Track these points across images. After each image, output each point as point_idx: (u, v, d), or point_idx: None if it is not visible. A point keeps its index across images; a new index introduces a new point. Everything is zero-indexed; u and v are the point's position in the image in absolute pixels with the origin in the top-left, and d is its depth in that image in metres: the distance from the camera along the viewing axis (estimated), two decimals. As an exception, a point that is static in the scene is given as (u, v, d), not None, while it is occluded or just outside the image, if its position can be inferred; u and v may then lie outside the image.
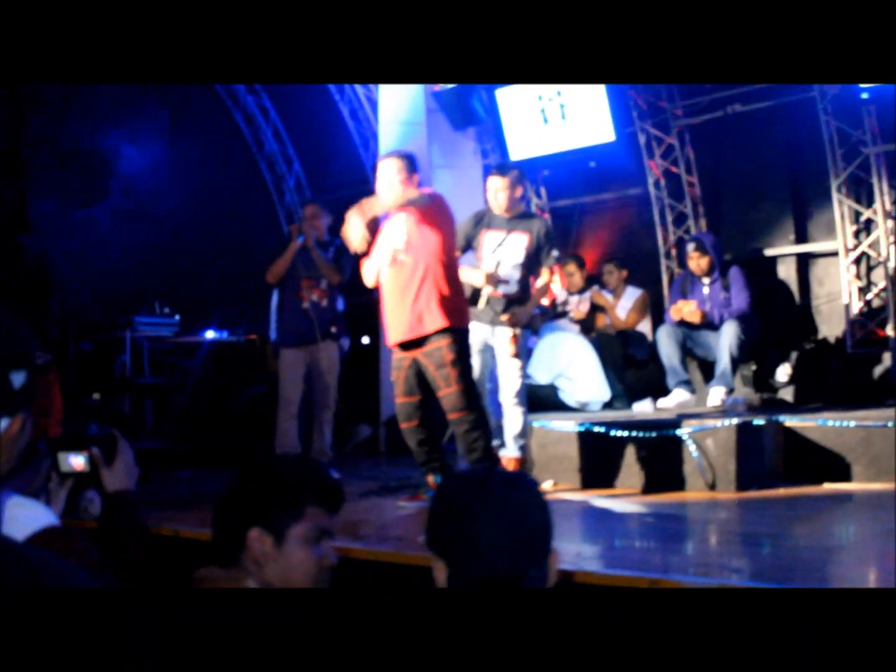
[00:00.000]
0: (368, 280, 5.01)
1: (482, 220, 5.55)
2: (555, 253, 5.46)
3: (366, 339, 9.19)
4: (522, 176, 5.64)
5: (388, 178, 4.87)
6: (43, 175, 8.70)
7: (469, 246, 5.53)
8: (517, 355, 5.33)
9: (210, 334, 8.71)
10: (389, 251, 4.84)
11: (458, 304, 4.83)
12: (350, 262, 6.02)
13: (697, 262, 6.96)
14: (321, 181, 10.39)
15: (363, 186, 9.68)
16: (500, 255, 5.42)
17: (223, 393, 8.16)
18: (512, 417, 5.34)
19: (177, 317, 8.80)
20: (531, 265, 5.45)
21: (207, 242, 9.65)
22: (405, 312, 4.74)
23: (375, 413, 8.15)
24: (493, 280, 5.33)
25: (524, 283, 5.46)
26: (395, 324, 4.84)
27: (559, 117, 8.04)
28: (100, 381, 8.05)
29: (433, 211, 4.76)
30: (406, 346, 4.81)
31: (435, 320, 4.69)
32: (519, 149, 8.61)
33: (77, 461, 2.32)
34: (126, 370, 8.22)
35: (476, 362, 5.26)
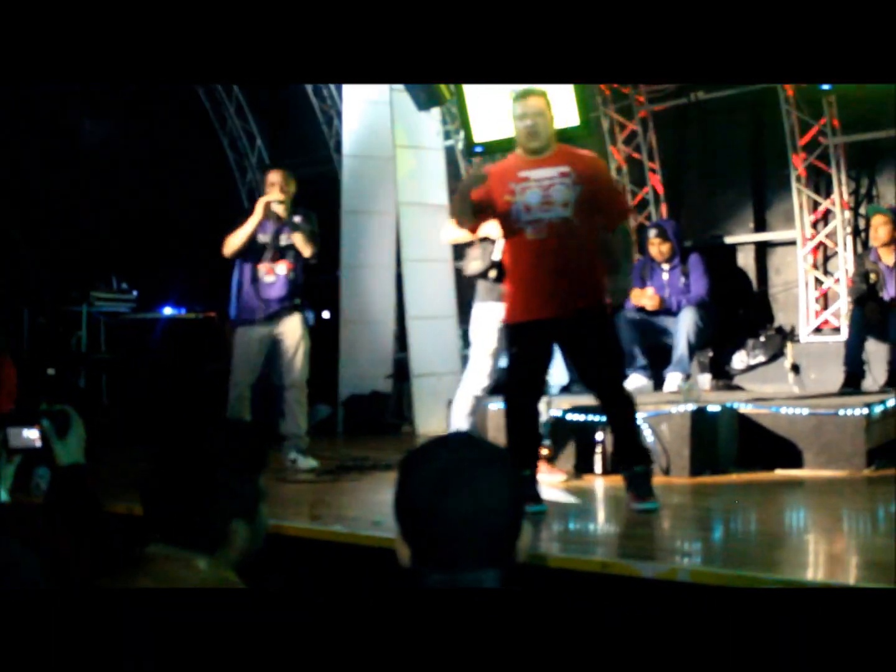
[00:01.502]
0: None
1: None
2: None
3: (326, 314, 9.15)
4: None
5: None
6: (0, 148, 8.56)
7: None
8: None
9: (168, 311, 8.64)
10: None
11: None
12: (317, 233, 5.81)
13: (658, 248, 7.02)
14: (284, 159, 10.30)
15: (327, 165, 9.66)
16: None
17: (181, 370, 8.10)
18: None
19: (134, 292, 8.72)
20: None
21: (167, 218, 9.55)
22: None
23: (334, 393, 8.12)
24: None
25: None
26: None
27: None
28: (55, 356, 7.95)
29: None
30: None
31: None
32: (483, 131, 8.59)
33: (29, 435, 2.30)
34: (82, 345, 8.13)
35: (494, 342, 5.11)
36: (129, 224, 9.38)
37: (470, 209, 4.34)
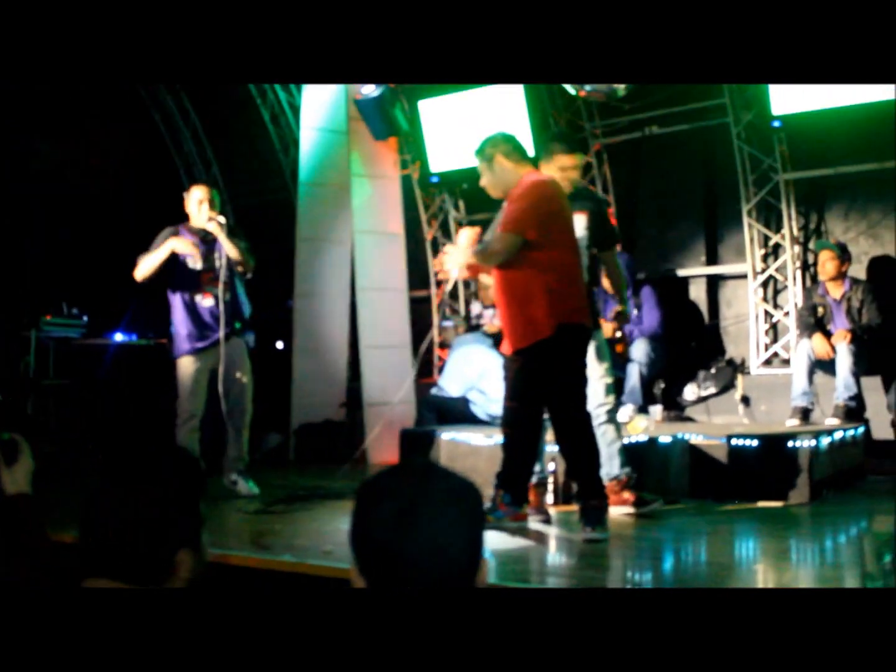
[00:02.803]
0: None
1: None
2: None
3: (279, 345, 9.10)
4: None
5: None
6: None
7: None
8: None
9: (119, 337, 8.54)
10: None
11: None
12: (249, 250, 5.64)
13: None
14: (239, 186, 10.28)
15: (282, 193, 9.64)
16: None
17: (130, 397, 8.00)
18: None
19: (84, 318, 8.61)
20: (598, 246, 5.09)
21: (119, 243, 9.45)
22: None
23: (286, 421, 8.06)
24: None
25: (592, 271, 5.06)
26: None
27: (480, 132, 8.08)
28: (2, 382, 7.82)
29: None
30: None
31: None
32: (440, 160, 8.64)
33: (-25, 463, 2.26)
34: (30, 371, 8.01)
35: None
36: (81, 249, 9.28)
37: None
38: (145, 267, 5.55)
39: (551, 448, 5.34)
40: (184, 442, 5.50)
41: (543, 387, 4.41)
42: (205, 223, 5.57)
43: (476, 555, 1.53)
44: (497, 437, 5.61)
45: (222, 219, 5.61)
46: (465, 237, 4.61)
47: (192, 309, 5.60)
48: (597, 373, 4.83)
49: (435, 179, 8.96)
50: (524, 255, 4.33)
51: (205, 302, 5.60)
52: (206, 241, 5.63)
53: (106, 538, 1.76)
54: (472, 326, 7.94)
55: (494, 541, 4.18)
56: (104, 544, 1.76)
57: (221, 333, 5.54)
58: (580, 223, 4.80)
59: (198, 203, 5.64)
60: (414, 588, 1.45)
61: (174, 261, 5.57)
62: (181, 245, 5.55)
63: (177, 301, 5.65)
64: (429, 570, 1.46)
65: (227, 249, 5.56)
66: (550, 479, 5.31)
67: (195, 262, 5.58)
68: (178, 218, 5.77)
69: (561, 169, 4.89)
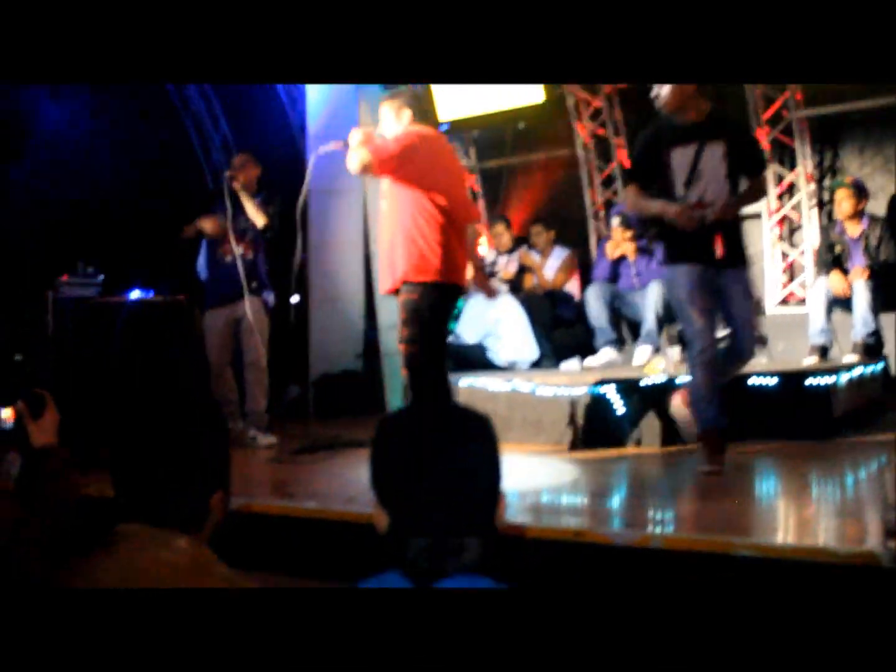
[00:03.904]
0: None
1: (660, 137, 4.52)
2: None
3: (295, 298, 9.10)
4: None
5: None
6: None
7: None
8: None
9: (135, 294, 8.56)
10: None
11: None
12: (277, 214, 5.90)
13: (622, 235, 7.02)
14: (248, 140, 10.23)
15: (290, 146, 9.59)
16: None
17: (149, 353, 8.03)
18: None
19: (100, 277, 8.62)
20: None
21: (132, 201, 9.45)
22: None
23: (305, 374, 8.09)
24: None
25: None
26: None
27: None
28: (21, 341, 7.88)
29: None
30: None
31: None
32: (448, 109, 8.58)
33: (2, 416, 2.29)
34: (49, 331, 8.04)
35: None
36: (94, 207, 9.28)
37: None
38: (187, 233, 5.99)
39: (573, 392, 5.36)
40: (219, 395, 5.82)
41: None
42: (236, 189, 5.87)
43: (496, 487, 1.54)
44: (514, 383, 5.64)
45: (240, 182, 5.86)
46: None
47: (215, 264, 5.97)
48: None
49: (445, 127, 8.89)
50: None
51: (227, 259, 5.89)
52: (236, 205, 5.90)
53: (140, 484, 1.79)
54: (487, 274, 7.93)
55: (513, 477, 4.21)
56: (138, 490, 1.79)
57: (245, 291, 5.83)
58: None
59: (238, 170, 5.97)
60: (436, 520, 1.47)
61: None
62: (207, 225, 5.93)
63: (207, 256, 6.05)
64: (451, 501, 1.47)
65: (251, 214, 5.86)
66: (569, 423, 5.33)
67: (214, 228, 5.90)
68: (185, 169, 5.97)
69: None
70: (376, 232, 4.77)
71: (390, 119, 4.73)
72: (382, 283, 4.71)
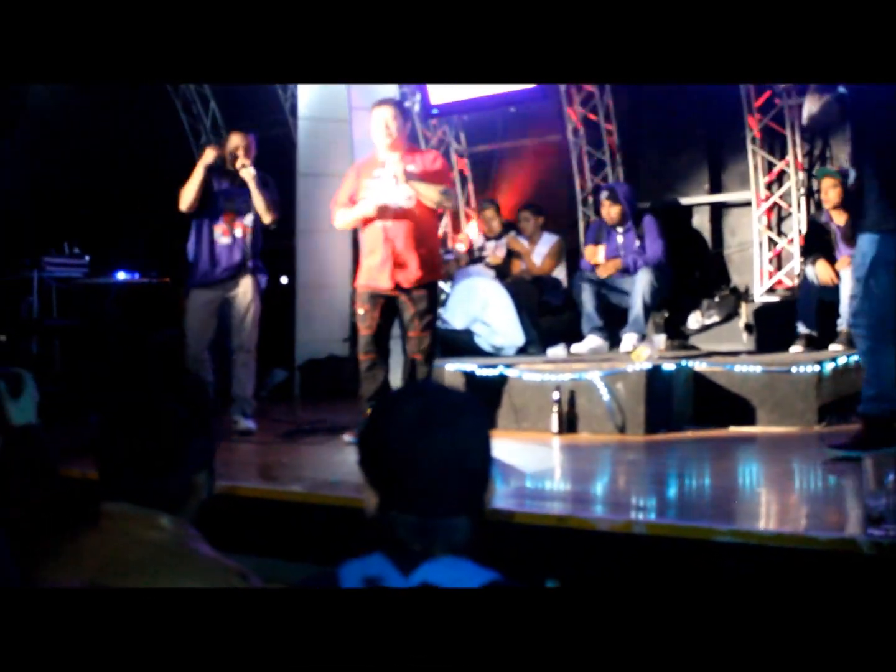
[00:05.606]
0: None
1: None
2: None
3: (284, 280, 9.09)
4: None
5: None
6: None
7: None
8: None
9: (121, 276, 8.53)
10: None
11: None
12: (278, 201, 5.80)
13: (608, 210, 7.03)
14: (238, 122, 10.16)
15: (281, 128, 9.55)
16: None
17: (134, 336, 8.01)
18: None
19: (86, 258, 8.59)
20: None
21: (120, 182, 9.41)
22: None
23: (291, 357, 8.09)
24: None
25: None
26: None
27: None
28: (6, 322, 7.84)
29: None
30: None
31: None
32: (439, 93, 8.55)
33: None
34: (33, 312, 8.01)
35: None
36: (81, 188, 9.24)
37: None
38: (186, 194, 5.67)
39: (559, 378, 5.37)
40: (191, 369, 5.59)
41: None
42: (239, 170, 5.66)
43: (486, 468, 1.55)
44: (501, 368, 5.64)
45: (252, 171, 5.66)
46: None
47: (210, 244, 5.71)
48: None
49: (435, 111, 8.86)
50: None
51: (222, 239, 5.71)
52: (235, 185, 5.72)
53: (123, 463, 1.79)
54: (475, 259, 7.91)
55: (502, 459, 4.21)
56: (122, 469, 1.79)
57: (242, 272, 5.71)
58: None
59: (234, 149, 5.74)
60: (426, 500, 1.47)
61: (208, 193, 5.70)
62: (207, 156, 5.70)
63: (199, 234, 5.75)
64: (444, 479, 1.47)
65: (256, 200, 5.67)
66: (555, 409, 5.34)
67: (245, 175, 5.66)
68: (175, 154, 5.81)
69: None
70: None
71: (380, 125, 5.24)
72: (409, 275, 5.13)
